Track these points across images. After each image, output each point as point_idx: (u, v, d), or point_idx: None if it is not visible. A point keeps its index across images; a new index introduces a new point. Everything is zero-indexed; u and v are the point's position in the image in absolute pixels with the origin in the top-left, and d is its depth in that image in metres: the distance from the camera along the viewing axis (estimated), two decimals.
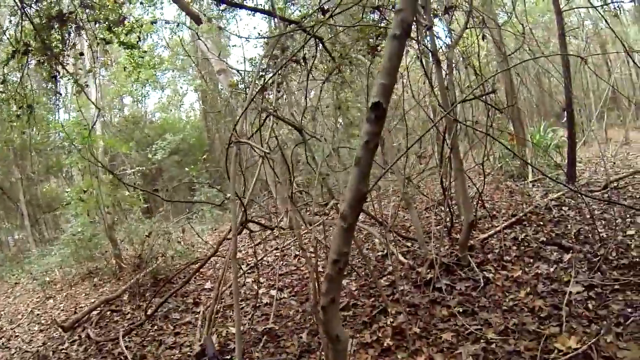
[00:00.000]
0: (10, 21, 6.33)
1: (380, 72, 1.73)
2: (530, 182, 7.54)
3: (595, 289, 3.54)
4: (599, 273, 3.79)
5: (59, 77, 6.52)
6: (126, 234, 8.79)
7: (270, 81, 4.86)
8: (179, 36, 14.91)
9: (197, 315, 5.45)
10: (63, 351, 5.50)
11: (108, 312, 6.43)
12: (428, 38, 5.08)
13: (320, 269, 5.70)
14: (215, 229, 10.08)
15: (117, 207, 9.09)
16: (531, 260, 4.47)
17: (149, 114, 19.51)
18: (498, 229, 5.30)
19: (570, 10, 9.97)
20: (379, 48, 5.05)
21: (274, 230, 7.78)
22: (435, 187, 7.70)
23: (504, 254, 4.71)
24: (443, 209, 6.72)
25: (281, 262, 6.27)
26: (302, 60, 4.44)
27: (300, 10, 8.63)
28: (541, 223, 5.39)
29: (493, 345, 3.20)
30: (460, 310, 3.79)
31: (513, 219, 5.58)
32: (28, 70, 6.21)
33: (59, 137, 14.89)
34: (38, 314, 7.75)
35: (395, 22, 1.78)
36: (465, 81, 7.12)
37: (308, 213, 7.97)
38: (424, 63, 5.03)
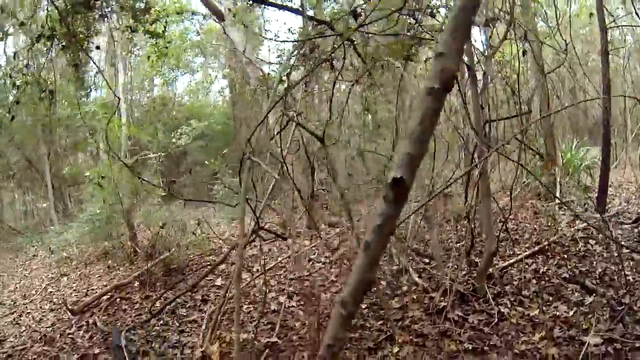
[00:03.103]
0: (37, 6, 6.33)
1: (407, 138, 1.35)
2: (557, 204, 7.20)
3: (615, 344, 3.34)
4: (620, 325, 3.58)
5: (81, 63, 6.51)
6: (143, 218, 8.80)
7: (297, 81, 4.73)
8: (209, 23, 14.87)
9: (203, 315, 5.34)
10: (70, 336, 5.46)
11: (118, 300, 6.40)
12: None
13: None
14: (234, 219, 9.98)
15: (135, 193, 9.12)
16: (550, 299, 4.28)
17: (178, 96, 19.54)
18: (519, 257, 5.11)
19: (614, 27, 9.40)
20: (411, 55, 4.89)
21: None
22: (459, 203, 7.43)
23: (522, 288, 4.52)
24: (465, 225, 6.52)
25: (294, 265, 6.06)
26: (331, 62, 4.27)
27: (333, 8, 8.43)
28: (565, 256, 5.16)
29: None
30: (470, 348, 3.66)
31: (536, 248, 5.37)
32: (54, 54, 6.22)
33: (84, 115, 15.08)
34: (51, 292, 7.82)
35: (434, 70, 1.32)
36: (499, 96, 6.83)
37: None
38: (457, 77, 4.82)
